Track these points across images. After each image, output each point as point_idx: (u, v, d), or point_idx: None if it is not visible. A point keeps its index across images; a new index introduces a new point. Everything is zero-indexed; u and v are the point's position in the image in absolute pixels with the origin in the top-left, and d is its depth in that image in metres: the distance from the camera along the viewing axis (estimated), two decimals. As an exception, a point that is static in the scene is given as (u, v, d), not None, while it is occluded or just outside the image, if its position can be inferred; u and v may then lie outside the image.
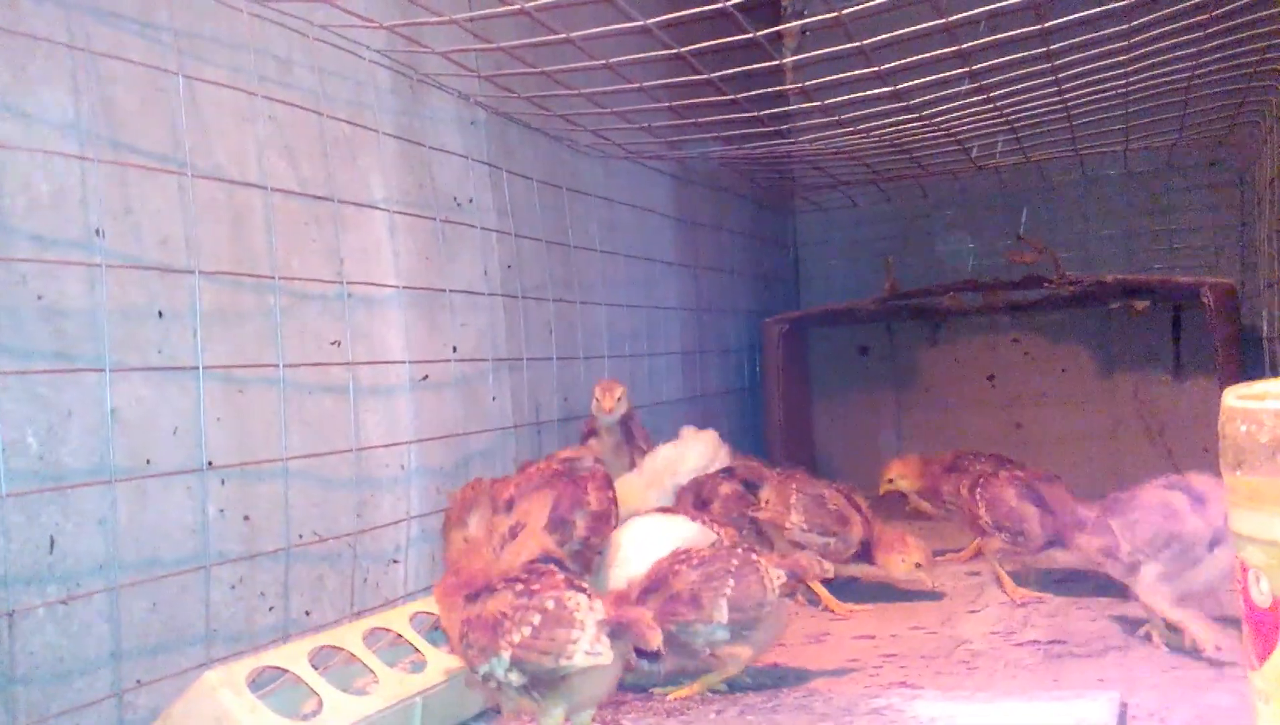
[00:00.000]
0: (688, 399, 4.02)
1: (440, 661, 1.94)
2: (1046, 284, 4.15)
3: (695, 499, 2.82)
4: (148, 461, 1.84)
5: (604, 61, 2.62)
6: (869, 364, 4.90)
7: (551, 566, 1.74)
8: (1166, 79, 3.14)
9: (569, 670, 1.62)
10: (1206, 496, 2.13)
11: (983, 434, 4.58)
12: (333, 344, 2.28)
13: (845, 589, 2.82)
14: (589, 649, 1.60)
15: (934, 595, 2.79)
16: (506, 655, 1.62)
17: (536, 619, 1.63)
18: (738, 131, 3.44)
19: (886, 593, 2.85)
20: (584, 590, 1.69)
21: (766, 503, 2.84)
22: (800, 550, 2.68)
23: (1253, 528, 1.21)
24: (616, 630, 1.64)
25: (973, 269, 4.77)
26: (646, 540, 2.30)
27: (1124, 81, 3.11)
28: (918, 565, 2.73)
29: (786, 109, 3.70)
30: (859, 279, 5.01)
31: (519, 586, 1.68)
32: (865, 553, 2.78)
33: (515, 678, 1.63)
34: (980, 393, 4.71)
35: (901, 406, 4.83)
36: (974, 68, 2.84)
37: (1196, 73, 3.11)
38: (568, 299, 3.22)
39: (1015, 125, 3.60)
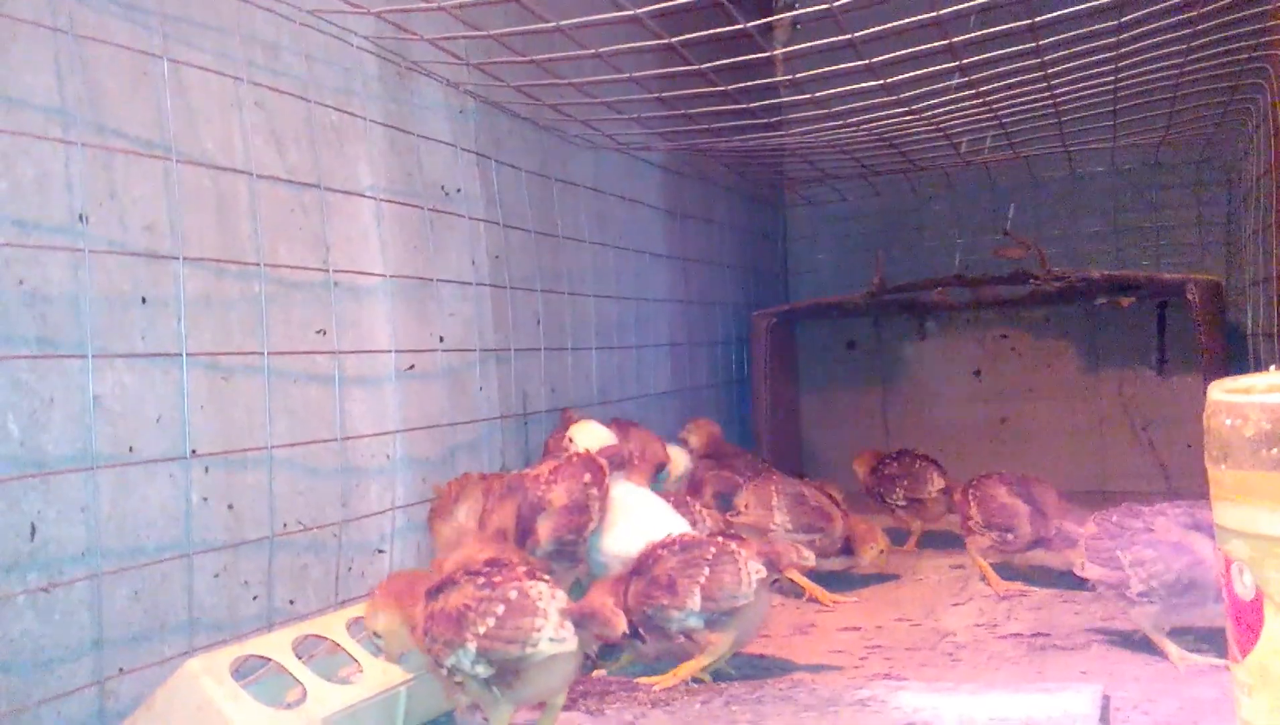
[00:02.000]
0: (675, 391, 4.02)
1: (425, 651, 1.93)
2: (1033, 279, 4.16)
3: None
4: (130, 449, 1.82)
5: (594, 51, 2.61)
6: (856, 358, 4.91)
7: (512, 558, 1.75)
8: (1155, 77, 3.15)
9: (535, 659, 1.62)
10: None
11: (968, 428, 4.62)
12: (318, 333, 2.27)
13: (828, 581, 2.83)
14: (553, 635, 1.61)
15: (919, 587, 2.83)
16: (472, 647, 1.62)
17: (500, 609, 1.63)
18: (728, 123, 3.43)
19: (870, 584, 2.87)
20: (545, 580, 1.70)
21: (746, 507, 2.83)
22: None
23: (1237, 521, 1.21)
24: (579, 620, 1.65)
25: (960, 264, 4.78)
26: (634, 504, 2.31)
27: (1113, 79, 3.11)
28: (882, 552, 2.86)
29: (777, 101, 3.70)
30: (847, 273, 5.02)
31: (480, 579, 1.69)
32: (846, 546, 2.81)
33: (482, 669, 1.63)
34: (966, 387, 4.73)
35: (888, 400, 4.85)
36: (964, 62, 2.84)
37: (1184, 71, 3.12)
38: (556, 290, 3.21)
39: (1004, 121, 3.60)
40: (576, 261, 3.35)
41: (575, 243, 3.35)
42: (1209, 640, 2.11)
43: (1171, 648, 2.08)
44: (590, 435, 2.64)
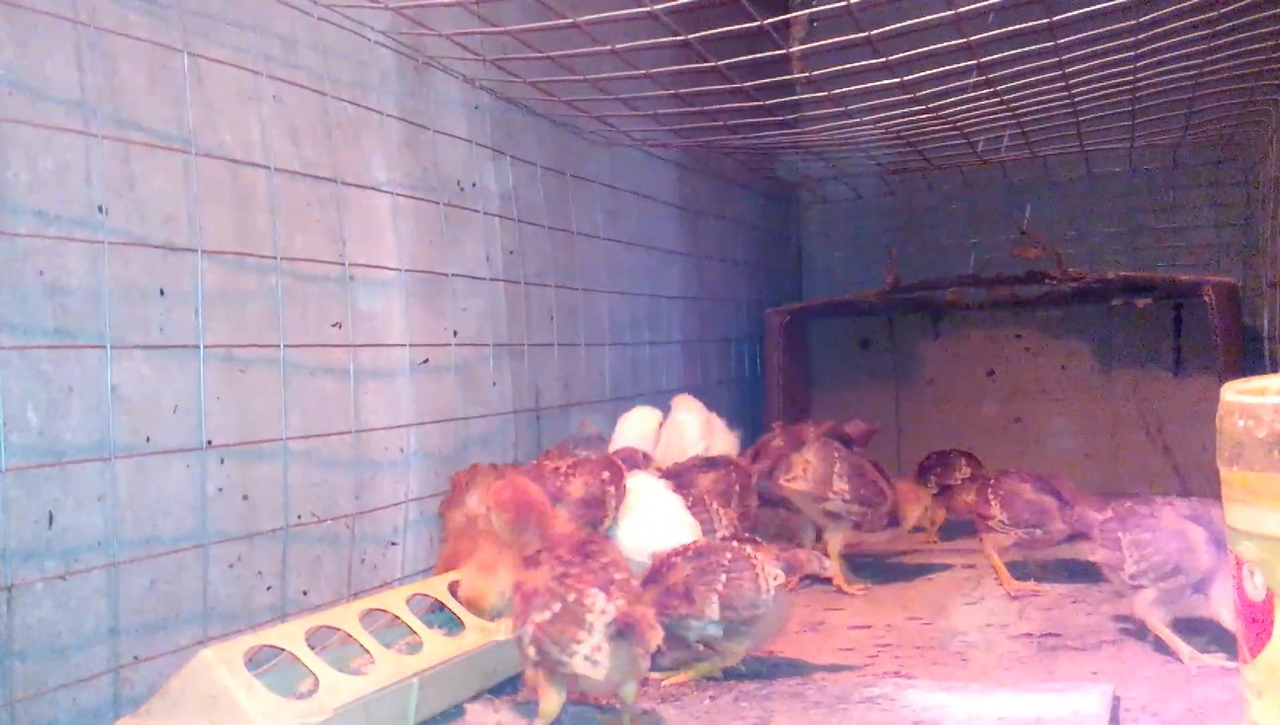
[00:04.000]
0: (688, 388, 4.00)
1: (436, 644, 1.95)
2: (1049, 280, 4.15)
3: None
4: (148, 439, 1.84)
5: (610, 47, 2.62)
6: (870, 356, 4.90)
7: (604, 546, 1.81)
8: (1173, 76, 3.13)
9: (567, 669, 1.65)
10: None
11: (982, 428, 4.59)
12: (334, 326, 2.28)
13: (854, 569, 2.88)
14: (588, 655, 1.63)
15: (931, 586, 2.84)
16: (529, 630, 1.68)
17: (556, 607, 1.67)
18: (744, 121, 3.43)
19: (882, 581, 2.87)
20: (607, 588, 1.69)
21: (805, 469, 2.71)
22: (834, 521, 2.70)
23: (1248, 522, 1.21)
24: (624, 629, 1.65)
25: (975, 263, 4.77)
26: (648, 499, 2.32)
27: (1131, 78, 3.10)
28: (926, 508, 3.00)
29: (794, 99, 3.70)
30: (861, 271, 5.00)
31: (559, 568, 1.72)
32: (892, 519, 2.83)
33: (532, 653, 1.69)
34: (980, 386, 4.71)
35: (901, 399, 4.83)
36: (981, 60, 2.83)
37: (1204, 71, 3.10)
38: (570, 286, 3.22)
39: (1022, 120, 3.58)
40: (590, 257, 3.36)
41: (589, 239, 3.36)
42: (1220, 643, 2.10)
43: (1183, 647, 2.08)
44: (640, 419, 2.67)
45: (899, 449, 4.53)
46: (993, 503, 2.78)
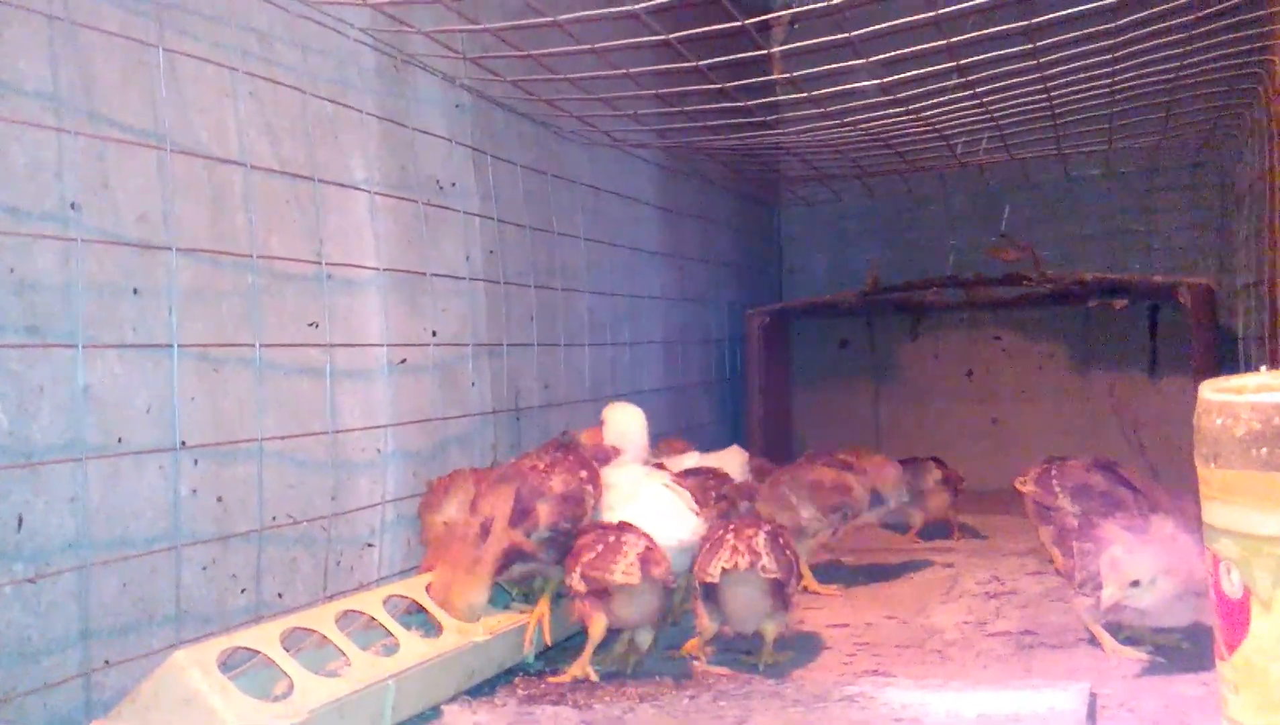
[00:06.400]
0: (669, 388, 4.02)
1: (413, 646, 1.93)
2: (1026, 281, 4.17)
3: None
4: (120, 440, 1.81)
5: (590, 46, 2.61)
6: (849, 357, 4.91)
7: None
8: (1151, 79, 3.15)
9: (611, 585, 2.06)
10: (1149, 538, 2.07)
11: (960, 428, 4.63)
12: (310, 325, 2.26)
13: (820, 573, 2.86)
14: (624, 570, 2.05)
15: (909, 584, 2.85)
16: (577, 572, 2.11)
17: (600, 547, 2.12)
18: (725, 121, 3.43)
19: (860, 581, 2.88)
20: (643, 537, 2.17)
21: (769, 514, 2.75)
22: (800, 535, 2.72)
23: (1226, 520, 1.22)
24: (646, 557, 2.09)
25: (954, 265, 4.79)
26: (633, 487, 2.34)
27: (1109, 81, 3.12)
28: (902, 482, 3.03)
29: (775, 99, 3.70)
30: (841, 272, 5.03)
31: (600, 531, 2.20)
32: (876, 497, 2.87)
33: (582, 586, 2.10)
34: (958, 387, 4.74)
35: (880, 399, 4.85)
36: (961, 63, 2.84)
37: (1181, 74, 3.12)
38: (550, 286, 3.20)
39: (1000, 122, 3.60)
40: (571, 257, 3.35)
41: (570, 239, 3.35)
42: (1192, 638, 2.12)
43: (1106, 639, 2.11)
44: (623, 417, 2.66)
45: (878, 449, 4.52)
46: (1059, 493, 2.75)
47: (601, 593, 2.09)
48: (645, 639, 2.19)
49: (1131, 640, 2.16)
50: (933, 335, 4.81)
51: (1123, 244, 4.68)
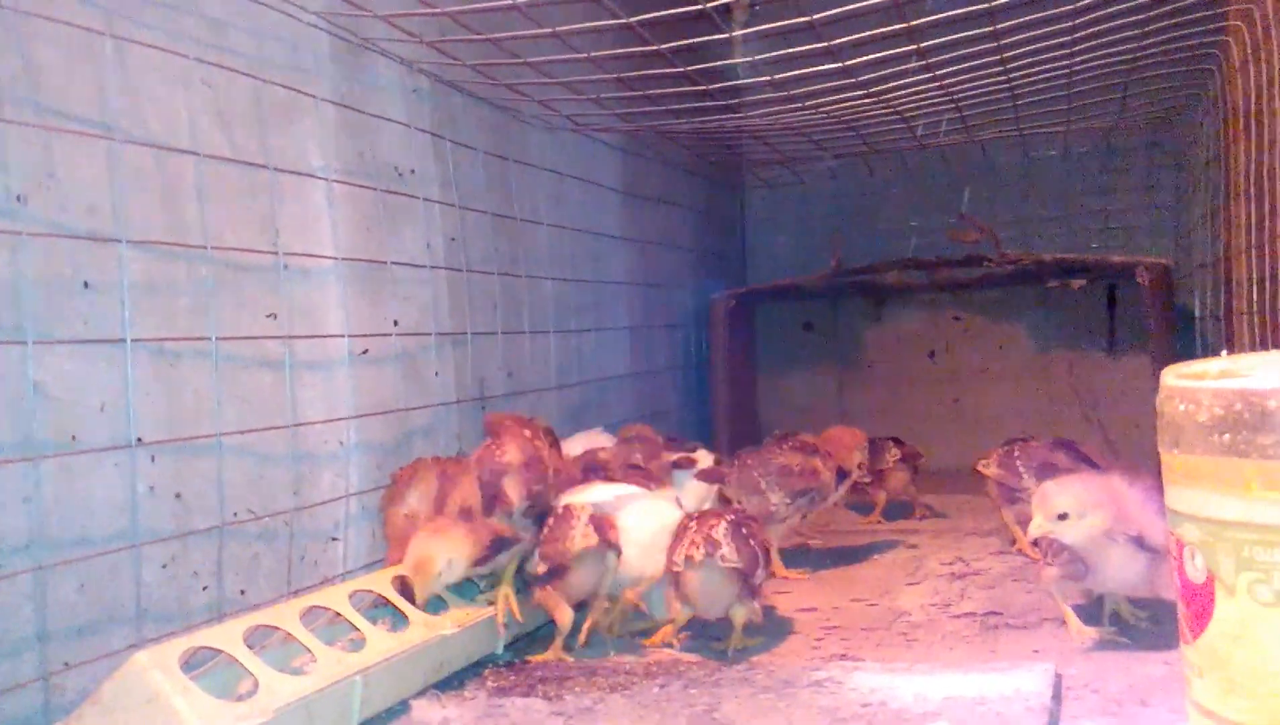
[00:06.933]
0: (634, 374, 4.01)
1: (379, 640, 1.91)
2: (987, 262, 4.20)
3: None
4: (74, 437, 1.77)
5: (551, 30, 2.58)
6: (813, 339, 4.93)
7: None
8: (1109, 61, 3.18)
9: (568, 552, 2.14)
10: (1083, 478, 2.10)
11: (923, 409, 4.67)
12: (269, 317, 2.22)
13: (787, 557, 2.88)
14: (581, 533, 2.16)
15: (874, 567, 2.88)
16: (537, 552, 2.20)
17: (551, 521, 2.22)
18: (688, 105, 3.41)
19: (827, 564, 2.90)
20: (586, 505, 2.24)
21: (738, 500, 2.79)
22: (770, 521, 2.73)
23: (1189, 505, 1.23)
24: (597, 521, 2.20)
25: (916, 247, 4.81)
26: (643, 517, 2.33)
27: (1068, 63, 3.14)
28: (860, 455, 3.12)
29: (737, 83, 3.69)
30: (805, 256, 5.03)
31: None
32: (841, 473, 2.91)
33: (541, 568, 2.17)
34: (921, 369, 4.78)
35: (844, 382, 4.88)
36: (922, 45, 2.84)
37: (1138, 56, 3.15)
38: (514, 273, 3.17)
39: (960, 104, 3.62)
40: (534, 244, 3.32)
41: (532, 225, 3.32)
42: (1157, 618, 2.15)
43: (1073, 621, 2.14)
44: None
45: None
46: (1024, 474, 2.77)
47: (561, 569, 2.14)
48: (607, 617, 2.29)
49: (1114, 619, 2.18)
50: (895, 317, 4.84)
51: (1081, 225, 4.74)
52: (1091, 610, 2.20)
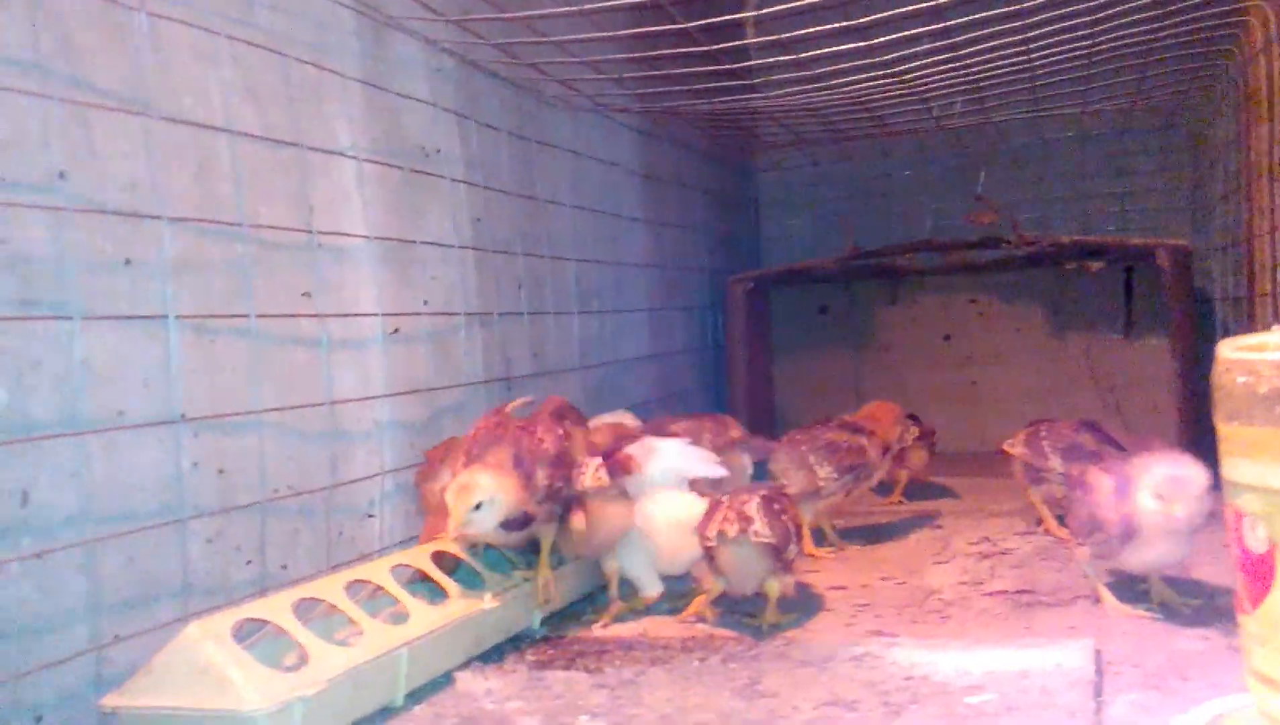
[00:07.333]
0: (652, 356, 4.01)
1: (422, 613, 1.93)
2: (1004, 244, 4.20)
3: None
4: (119, 413, 1.78)
5: (576, 8, 2.57)
6: (829, 323, 4.93)
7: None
8: (1128, 40, 3.17)
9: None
10: (1131, 482, 2.05)
11: (938, 392, 4.67)
12: (303, 295, 2.22)
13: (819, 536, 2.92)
14: (595, 472, 2.24)
15: (901, 547, 2.90)
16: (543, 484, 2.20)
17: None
18: (708, 85, 3.40)
19: (854, 543, 2.91)
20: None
21: (786, 474, 2.79)
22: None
23: (1250, 476, 1.24)
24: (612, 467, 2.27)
25: (930, 229, 4.81)
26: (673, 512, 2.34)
27: (1089, 42, 3.13)
28: (904, 427, 3.21)
29: (757, 62, 3.68)
30: (818, 237, 5.04)
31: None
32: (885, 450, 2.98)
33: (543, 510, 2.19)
34: (936, 351, 4.78)
35: (859, 364, 4.88)
36: (947, 24, 2.83)
37: (1157, 34, 3.15)
38: (537, 253, 3.18)
39: (980, 84, 3.61)
40: (556, 225, 3.32)
41: (555, 206, 3.32)
42: (1201, 595, 2.17)
43: (1107, 596, 2.16)
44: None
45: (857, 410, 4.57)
46: (1050, 454, 2.77)
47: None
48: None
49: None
50: (911, 300, 4.84)
51: (1096, 206, 4.73)
52: (1122, 588, 2.22)
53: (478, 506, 2.01)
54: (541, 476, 2.17)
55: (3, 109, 1.63)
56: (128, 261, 1.83)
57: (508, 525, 2.10)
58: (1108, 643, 1.96)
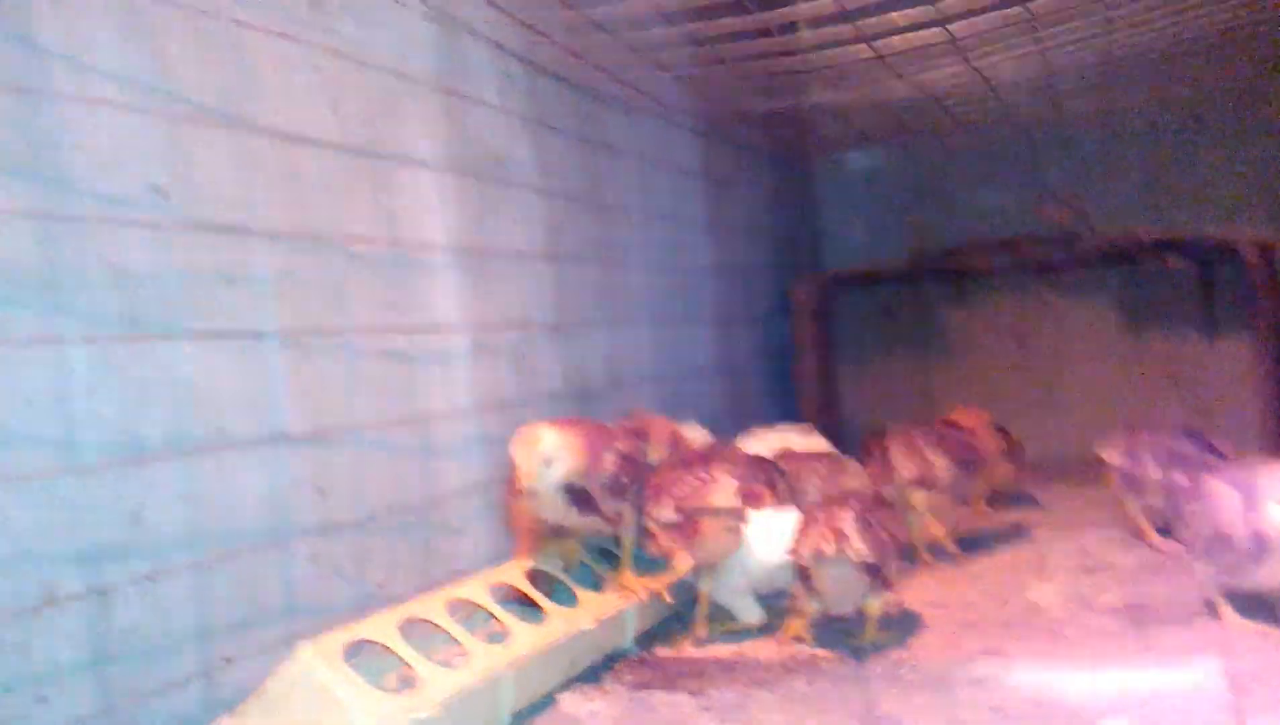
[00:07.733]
0: (718, 364, 3.93)
1: (524, 634, 1.88)
2: (1080, 241, 4.07)
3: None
4: (221, 431, 1.75)
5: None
6: (895, 324, 4.82)
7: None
8: (1205, 25, 3.05)
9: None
10: (1259, 494, 1.96)
11: (1011, 395, 4.52)
12: (391, 308, 2.19)
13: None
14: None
15: (994, 560, 2.81)
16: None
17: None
18: (779, 83, 3.33)
19: (943, 556, 2.82)
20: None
21: (896, 462, 2.73)
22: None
23: None
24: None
25: (992, 223, 4.66)
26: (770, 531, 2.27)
27: (1175, 24, 3.02)
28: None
29: (826, 46, 3.59)
30: (879, 236, 4.91)
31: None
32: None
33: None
34: (1008, 352, 4.65)
35: (929, 368, 4.77)
36: (1031, 5, 2.73)
37: (1234, 20, 3.03)
38: (607, 262, 3.13)
39: (1053, 70, 3.48)
40: (624, 232, 3.27)
41: (622, 213, 3.26)
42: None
43: (1228, 612, 2.08)
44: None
45: (931, 419, 4.47)
46: (1150, 464, 2.70)
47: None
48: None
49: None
50: (979, 300, 4.71)
51: (1168, 199, 4.53)
52: (1240, 604, 2.12)
53: (544, 460, 1.98)
54: (609, 460, 2.12)
55: (103, 124, 1.61)
56: (226, 278, 1.80)
57: (571, 494, 2.04)
58: (1234, 661, 1.87)
